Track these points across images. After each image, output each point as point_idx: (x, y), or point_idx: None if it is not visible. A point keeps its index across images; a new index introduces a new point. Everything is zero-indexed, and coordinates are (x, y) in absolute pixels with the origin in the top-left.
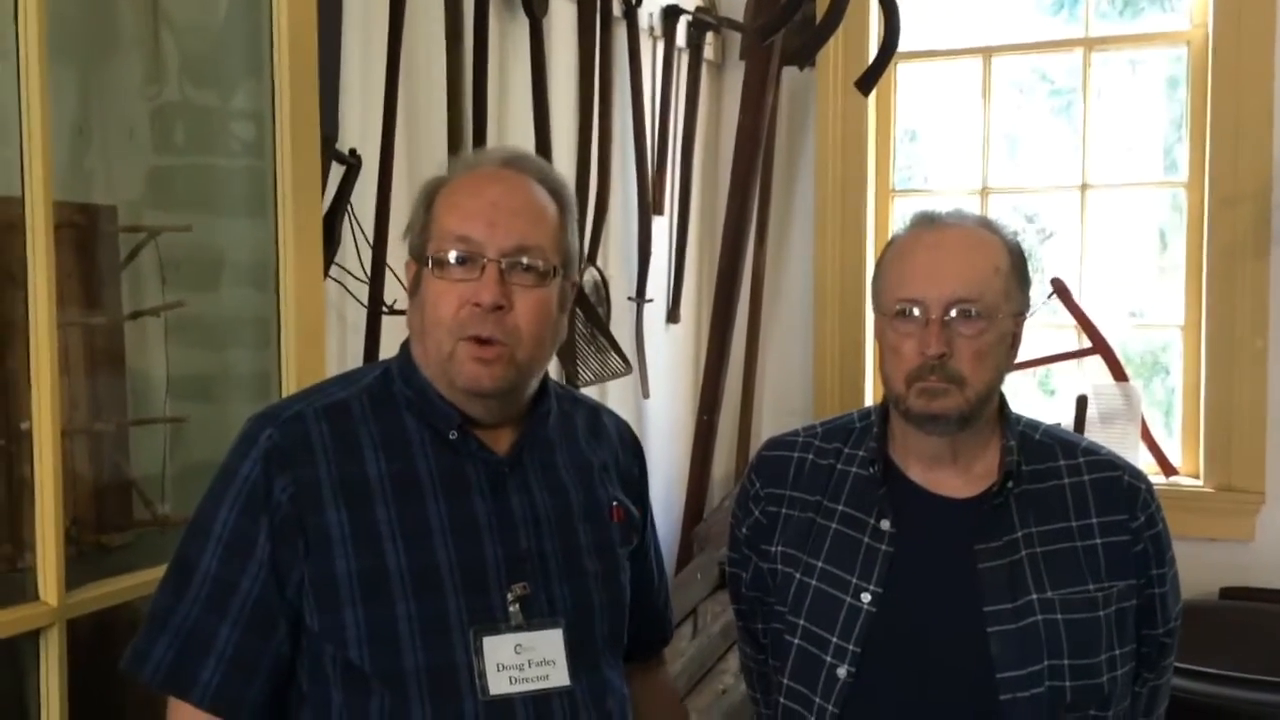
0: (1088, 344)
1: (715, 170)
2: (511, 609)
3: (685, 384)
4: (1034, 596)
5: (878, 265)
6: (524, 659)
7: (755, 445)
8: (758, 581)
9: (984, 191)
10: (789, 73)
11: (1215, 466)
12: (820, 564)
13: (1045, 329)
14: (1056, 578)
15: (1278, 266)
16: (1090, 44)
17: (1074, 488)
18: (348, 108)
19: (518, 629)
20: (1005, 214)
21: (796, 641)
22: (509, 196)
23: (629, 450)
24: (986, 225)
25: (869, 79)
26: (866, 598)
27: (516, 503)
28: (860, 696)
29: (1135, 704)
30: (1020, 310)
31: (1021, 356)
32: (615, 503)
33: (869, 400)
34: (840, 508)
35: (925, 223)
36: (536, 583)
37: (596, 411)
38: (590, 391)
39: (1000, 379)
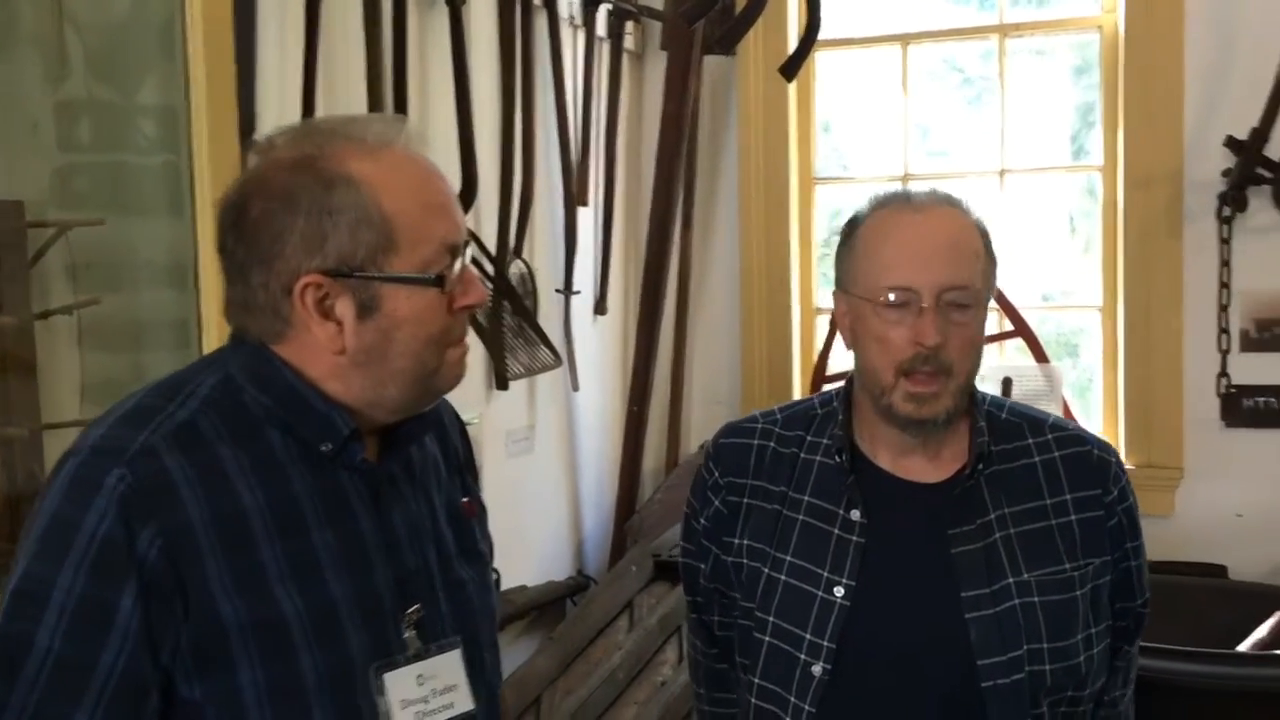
0: (1008, 327)
1: (639, 160)
2: (408, 636)
3: (614, 376)
4: (1010, 580)
5: (850, 246)
6: (427, 689)
7: (686, 437)
8: (719, 574)
9: (905, 178)
10: (710, 61)
11: (1135, 444)
12: (789, 558)
13: None
14: (1032, 559)
15: (1190, 246)
16: (1005, 30)
17: (1045, 465)
18: (265, 99)
19: (417, 657)
20: None
21: (767, 639)
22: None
23: (456, 430)
24: (961, 206)
25: (792, 65)
26: (839, 591)
27: (397, 516)
28: (837, 693)
29: (1114, 677)
30: (990, 295)
31: None
32: (466, 498)
33: (797, 390)
34: (807, 498)
35: (903, 203)
36: (428, 602)
37: None
38: (519, 385)
39: (979, 368)
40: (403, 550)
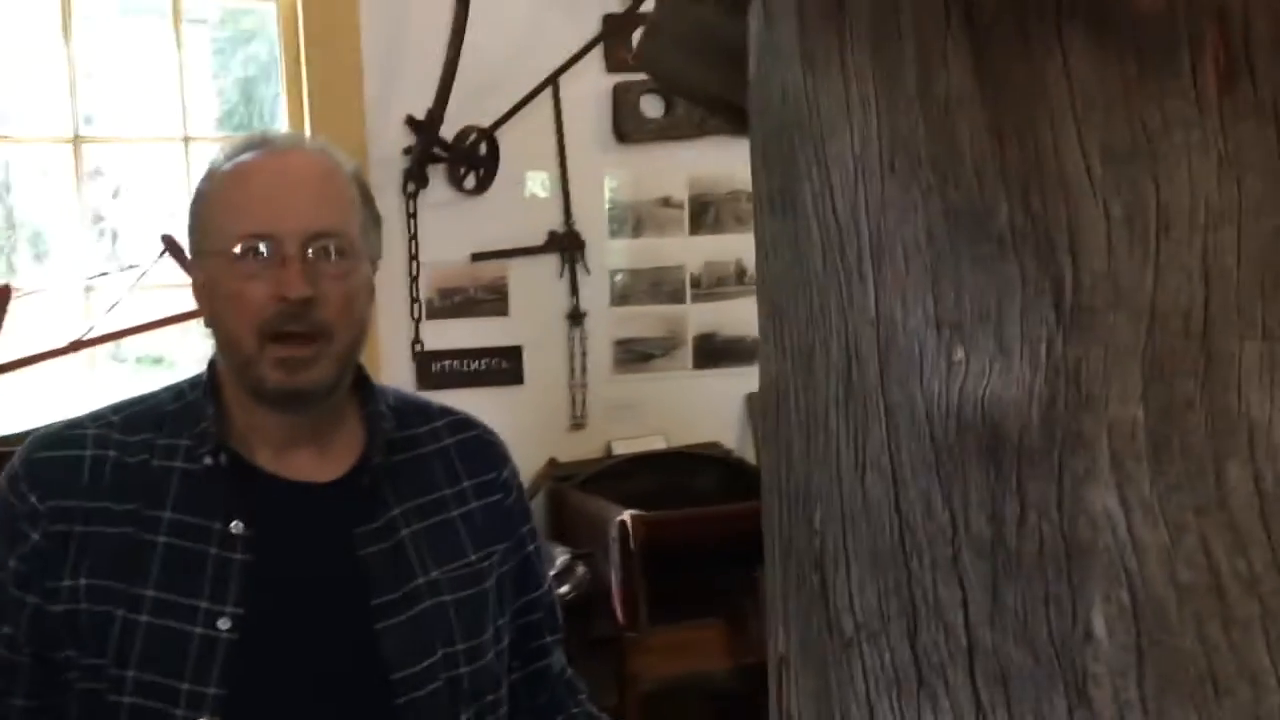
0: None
1: None
2: None
3: None
4: (420, 580)
5: (200, 204)
6: None
7: None
8: (40, 634)
9: (77, 140)
10: None
11: None
12: (152, 592)
13: (158, 289)
14: (439, 555)
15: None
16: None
17: (441, 453)
18: None
19: None
20: (103, 166)
21: (128, 700)
22: None
23: None
24: (330, 150)
25: None
26: (225, 624)
27: None
28: None
29: (552, 688)
30: (374, 257)
31: (126, 323)
32: None
33: None
34: (168, 515)
35: (259, 146)
36: None
37: None
38: None
39: (364, 335)
40: None
